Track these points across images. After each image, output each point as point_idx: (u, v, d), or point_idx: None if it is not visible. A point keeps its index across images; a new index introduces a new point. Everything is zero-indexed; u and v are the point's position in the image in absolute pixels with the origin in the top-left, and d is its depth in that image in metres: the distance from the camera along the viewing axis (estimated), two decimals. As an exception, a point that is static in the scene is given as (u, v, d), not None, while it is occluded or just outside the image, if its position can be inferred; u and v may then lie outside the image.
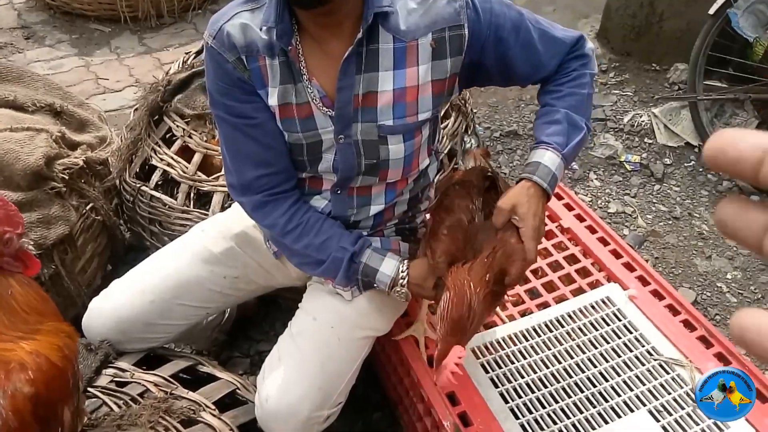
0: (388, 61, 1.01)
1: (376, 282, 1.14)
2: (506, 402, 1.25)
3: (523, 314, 1.46)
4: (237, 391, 1.22)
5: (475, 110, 2.79)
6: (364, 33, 0.97)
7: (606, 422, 1.21)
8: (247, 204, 1.15)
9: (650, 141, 2.53)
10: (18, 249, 0.87)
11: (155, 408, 1.04)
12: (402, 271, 1.13)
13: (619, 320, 1.41)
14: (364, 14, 0.97)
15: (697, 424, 1.21)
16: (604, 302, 1.45)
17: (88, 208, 1.70)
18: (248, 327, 1.79)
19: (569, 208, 1.73)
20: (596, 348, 1.35)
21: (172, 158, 1.75)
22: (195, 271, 1.23)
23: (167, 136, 1.85)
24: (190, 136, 1.75)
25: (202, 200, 1.77)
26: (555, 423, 1.22)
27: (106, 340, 1.19)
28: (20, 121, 1.64)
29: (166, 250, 1.29)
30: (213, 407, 1.13)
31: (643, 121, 2.58)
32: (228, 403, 1.20)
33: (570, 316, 1.43)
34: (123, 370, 1.17)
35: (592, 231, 1.64)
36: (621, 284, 1.49)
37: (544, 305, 1.46)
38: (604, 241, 1.61)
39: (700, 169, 2.42)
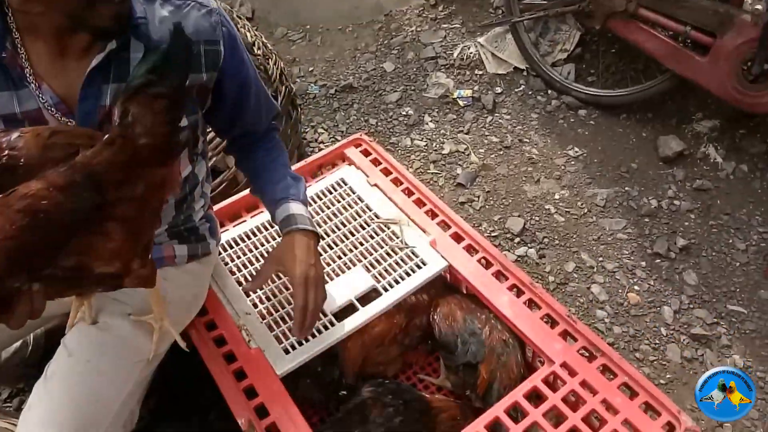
0: None
1: None
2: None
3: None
4: (13, 436, 1.14)
5: (311, 68, 2.70)
6: (118, 44, 0.91)
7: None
8: None
9: (480, 72, 2.52)
10: None
11: None
12: None
13: (350, 196, 1.59)
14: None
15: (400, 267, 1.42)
16: (338, 184, 1.61)
17: None
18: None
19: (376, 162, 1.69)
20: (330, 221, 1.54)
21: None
22: None
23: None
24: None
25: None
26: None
27: None
28: None
29: None
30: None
31: (471, 53, 2.55)
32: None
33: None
34: None
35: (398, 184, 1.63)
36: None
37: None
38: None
39: (530, 92, 2.43)
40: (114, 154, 0.81)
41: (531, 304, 1.34)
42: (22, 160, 0.75)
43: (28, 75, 0.90)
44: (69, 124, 0.95)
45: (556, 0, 2.35)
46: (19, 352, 1.49)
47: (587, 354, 1.25)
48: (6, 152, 0.75)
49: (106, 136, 0.83)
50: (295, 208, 1.20)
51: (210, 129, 1.28)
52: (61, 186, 0.74)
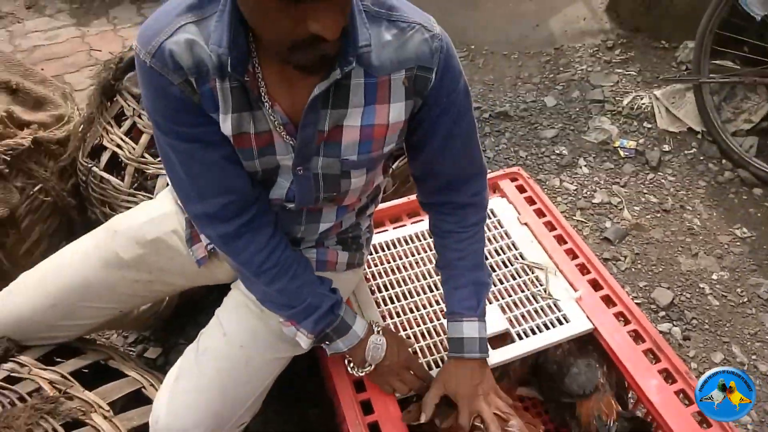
0: (358, 98, 0.91)
1: (342, 340, 1.10)
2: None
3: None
4: (143, 390, 1.18)
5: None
6: (342, 73, 0.86)
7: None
8: (218, 238, 1.00)
9: (650, 125, 2.36)
10: None
11: (36, 409, 1.00)
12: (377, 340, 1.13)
13: (496, 229, 1.53)
14: (343, 52, 0.85)
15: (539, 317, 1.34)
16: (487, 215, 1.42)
17: (36, 189, 1.67)
18: (196, 311, 1.75)
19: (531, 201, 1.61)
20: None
21: (121, 139, 1.70)
22: (103, 275, 1.14)
23: (122, 117, 1.80)
24: (140, 116, 1.70)
25: (148, 182, 1.72)
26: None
27: (6, 336, 1.15)
28: (-33, 100, 1.62)
29: (78, 245, 1.20)
30: (107, 408, 1.09)
31: (643, 104, 2.40)
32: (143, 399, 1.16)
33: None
34: (22, 365, 1.13)
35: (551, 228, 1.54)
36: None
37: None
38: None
39: (701, 158, 2.24)
40: None
41: (683, 395, 1.21)
42: None
43: (263, 96, 0.89)
44: (291, 143, 0.94)
45: (753, 69, 2.15)
46: (154, 306, 1.56)
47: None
48: None
49: None
50: (468, 329, 1.11)
51: None
52: None
